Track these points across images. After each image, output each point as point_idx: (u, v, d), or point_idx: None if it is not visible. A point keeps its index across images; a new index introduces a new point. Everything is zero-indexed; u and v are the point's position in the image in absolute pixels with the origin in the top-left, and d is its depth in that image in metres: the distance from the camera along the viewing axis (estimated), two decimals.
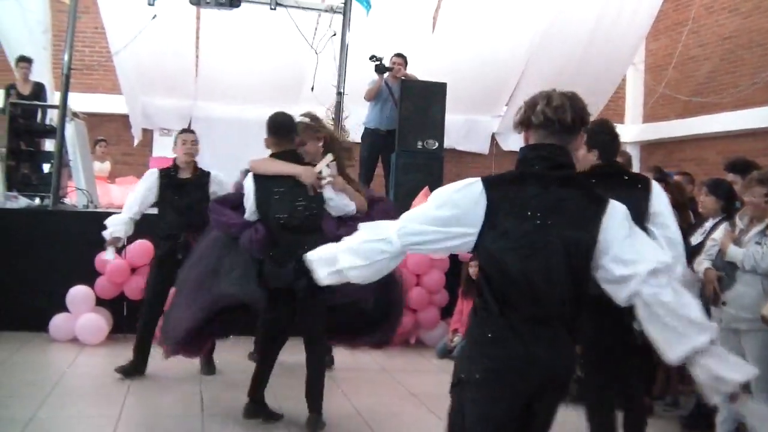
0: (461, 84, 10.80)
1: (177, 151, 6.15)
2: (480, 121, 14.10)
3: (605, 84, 13.46)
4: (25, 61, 10.33)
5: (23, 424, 4.73)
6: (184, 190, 6.05)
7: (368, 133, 9.84)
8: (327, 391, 4.90)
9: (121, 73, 12.18)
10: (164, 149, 12.70)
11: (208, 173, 6.18)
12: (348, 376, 6.29)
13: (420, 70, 10.21)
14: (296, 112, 12.21)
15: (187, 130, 6.49)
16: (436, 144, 8.80)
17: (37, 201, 8.54)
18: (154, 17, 10.01)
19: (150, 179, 6.09)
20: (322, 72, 9.75)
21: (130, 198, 6.13)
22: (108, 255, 6.03)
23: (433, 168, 8.91)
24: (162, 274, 5.88)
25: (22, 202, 8.18)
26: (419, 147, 8.89)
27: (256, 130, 10.18)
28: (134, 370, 5.94)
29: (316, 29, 10.12)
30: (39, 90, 10.37)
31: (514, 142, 13.56)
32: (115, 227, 5.93)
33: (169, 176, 6.10)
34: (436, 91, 9.13)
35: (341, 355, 6.14)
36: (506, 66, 12.68)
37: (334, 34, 9.42)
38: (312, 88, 10.01)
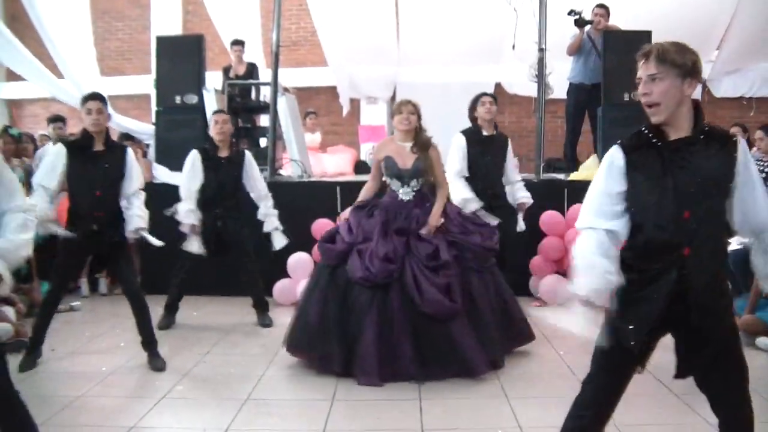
0: (668, 30, 10.13)
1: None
2: None
3: None
4: (238, 44, 10.89)
5: (255, 380, 5.10)
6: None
7: (573, 88, 9.62)
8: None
9: (327, 46, 12.54)
10: (371, 117, 13.01)
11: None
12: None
13: (623, 18, 9.82)
14: (498, 72, 12.20)
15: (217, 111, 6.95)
16: None
17: None
18: None
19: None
20: (522, 29, 9.60)
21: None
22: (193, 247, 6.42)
23: (642, 121, 8.52)
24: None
25: None
26: (626, 99, 8.52)
27: (459, 92, 10.28)
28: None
29: None
30: (252, 69, 10.91)
31: (727, 88, 12.72)
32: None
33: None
34: (641, 41, 8.51)
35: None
36: (715, 7, 11.76)
37: None
38: (513, 47, 9.89)
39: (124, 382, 5.14)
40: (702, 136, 2.74)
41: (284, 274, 7.52)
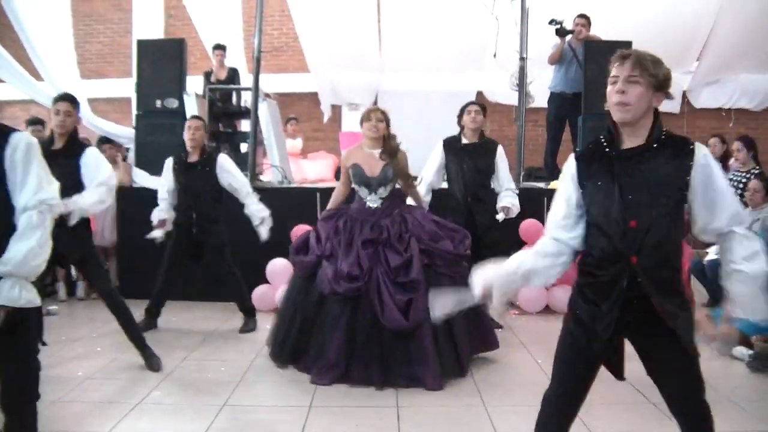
0: (647, 41, 10.20)
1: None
2: None
3: None
4: (220, 48, 10.87)
5: (233, 386, 5.08)
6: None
7: (554, 97, 9.68)
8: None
9: (309, 52, 12.53)
10: (353, 124, 13.00)
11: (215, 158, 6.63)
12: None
13: (603, 29, 9.88)
14: (480, 80, 12.19)
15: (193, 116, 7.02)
16: None
17: None
18: None
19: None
20: (503, 38, 9.63)
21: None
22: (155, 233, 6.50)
23: None
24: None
25: None
26: (606, 109, 8.54)
27: (441, 99, 10.31)
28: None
29: None
30: (234, 74, 10.89)
31: (707, 99, 12.80)
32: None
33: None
34: None
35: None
36: (695, 18, 11.80)
37: None
38: (495, 55, 9.92)
39: (100, 387, 5.09)
40: (656, 145, 2.74)
41: (263, 280, 7.50)
